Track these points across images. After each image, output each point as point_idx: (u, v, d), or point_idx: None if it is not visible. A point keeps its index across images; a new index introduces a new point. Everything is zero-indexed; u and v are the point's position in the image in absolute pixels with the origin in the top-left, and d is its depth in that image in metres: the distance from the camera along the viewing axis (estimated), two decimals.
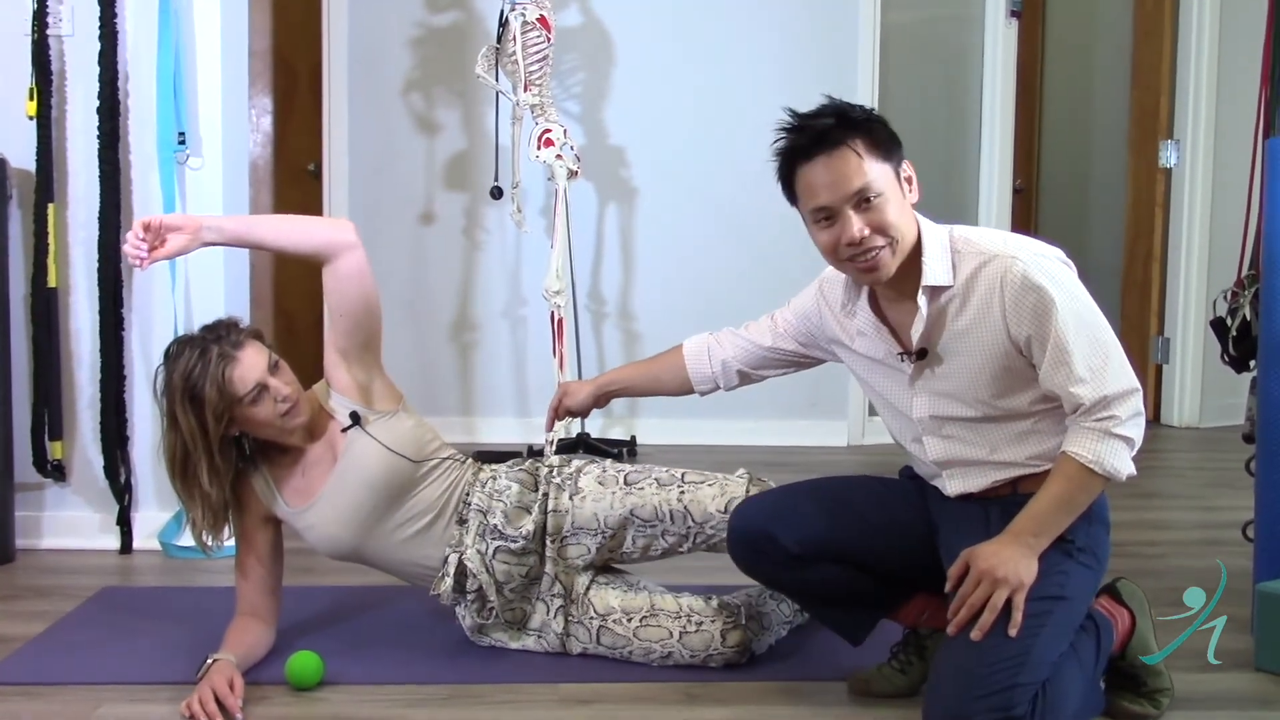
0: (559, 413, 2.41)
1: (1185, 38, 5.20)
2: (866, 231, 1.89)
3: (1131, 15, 5.51)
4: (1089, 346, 1.87)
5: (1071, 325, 1.86)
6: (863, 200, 1.89)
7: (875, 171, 1.89)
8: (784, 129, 1.95)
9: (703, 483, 2.31)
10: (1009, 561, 1.85)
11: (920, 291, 1.94)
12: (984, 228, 2.03)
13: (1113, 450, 1.86)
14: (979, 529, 1.97)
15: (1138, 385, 1.89)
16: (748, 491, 2.26)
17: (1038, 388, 1.94)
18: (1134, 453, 1.89)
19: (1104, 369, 1.87)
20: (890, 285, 1.98)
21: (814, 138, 1.91)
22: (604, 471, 2.36)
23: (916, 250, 1.94)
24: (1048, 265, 1.91)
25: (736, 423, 4.84)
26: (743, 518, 2.12)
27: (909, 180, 1.96)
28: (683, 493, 2.29)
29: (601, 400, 2.40)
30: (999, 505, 2.00)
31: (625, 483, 2.32)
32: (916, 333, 1.97)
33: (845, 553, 2.07)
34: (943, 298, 1.95)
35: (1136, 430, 1.88)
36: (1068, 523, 1.90)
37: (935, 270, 1.93)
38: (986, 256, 1.91)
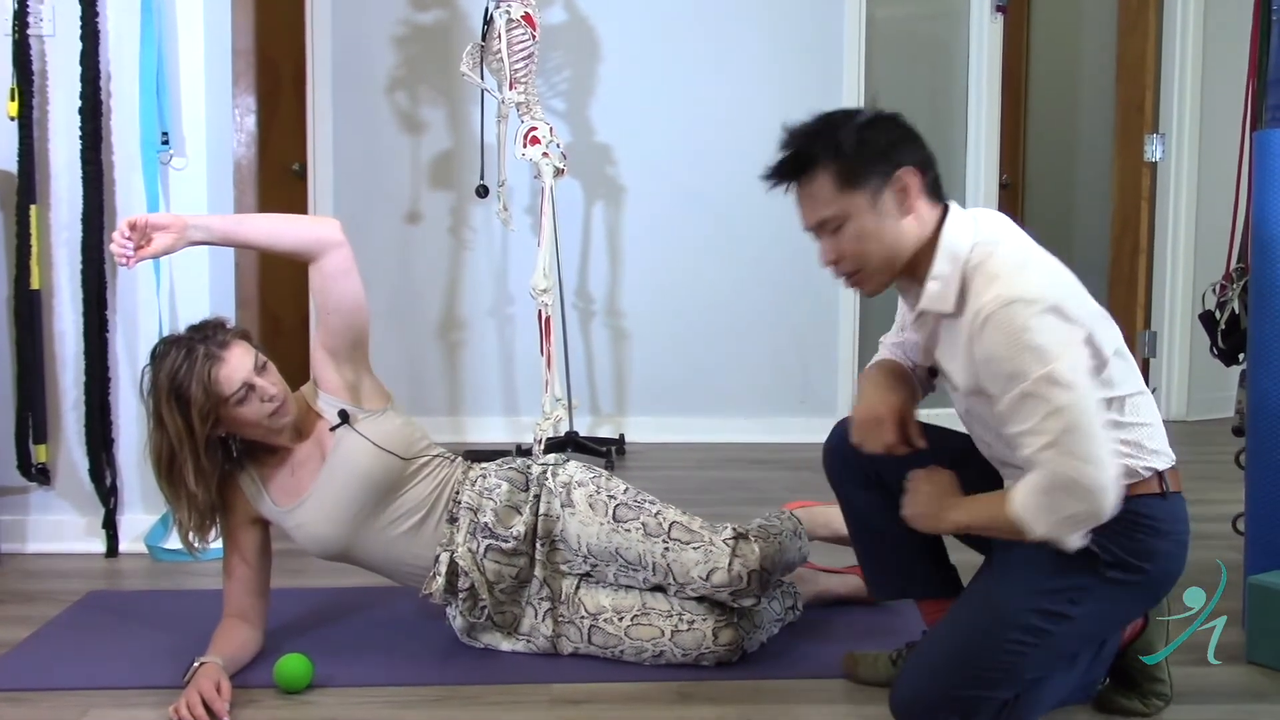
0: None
1: (1169, 31, 5.21)
2: (834, 257, 1.87)
3: (1116, 9, 5.52)
4: (1025, 413, 1.73)
5: (1012, 393, 1.73)
6: (829, 230, 1.86)
7: (839, 202, 1.83)
8: (778, 149, 1.91)
9: (689, 544, 2.25)
10: (916, 517, 1.92)
11: (915, 315, 1.90)
12: (1012, 248, 1.83)
13: (1035, 505, 1.74)
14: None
15: (1075, 474, 1.71)
16: (730, 563, 2.21)
17: None
18: (1067, 527, 1.74)
19: (1037, 435, 1.72)
20: (912, 288, 1.92)
21: (780, 167, 1.89)
22: (597, 492, 2.33)
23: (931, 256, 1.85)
24: (1012, 318, 1.72)
25: (726, 420, 4.84)
26: (841, 428, 2.14)
27: (903, 190, 1.83)
28: (667, 549, 2.25)
29: None
30: None
31: (614, 518, 2.28)
32: (919, 353, 1.95)
33: None
34: (946, 323, 1.87)
35: (1071, 503, 1.72)
36: (992, 536, 1.87)
37: (933, 295, 1.84)
38: (977, 292, 1.78)
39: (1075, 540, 1.76)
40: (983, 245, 1.83)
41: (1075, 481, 1.71)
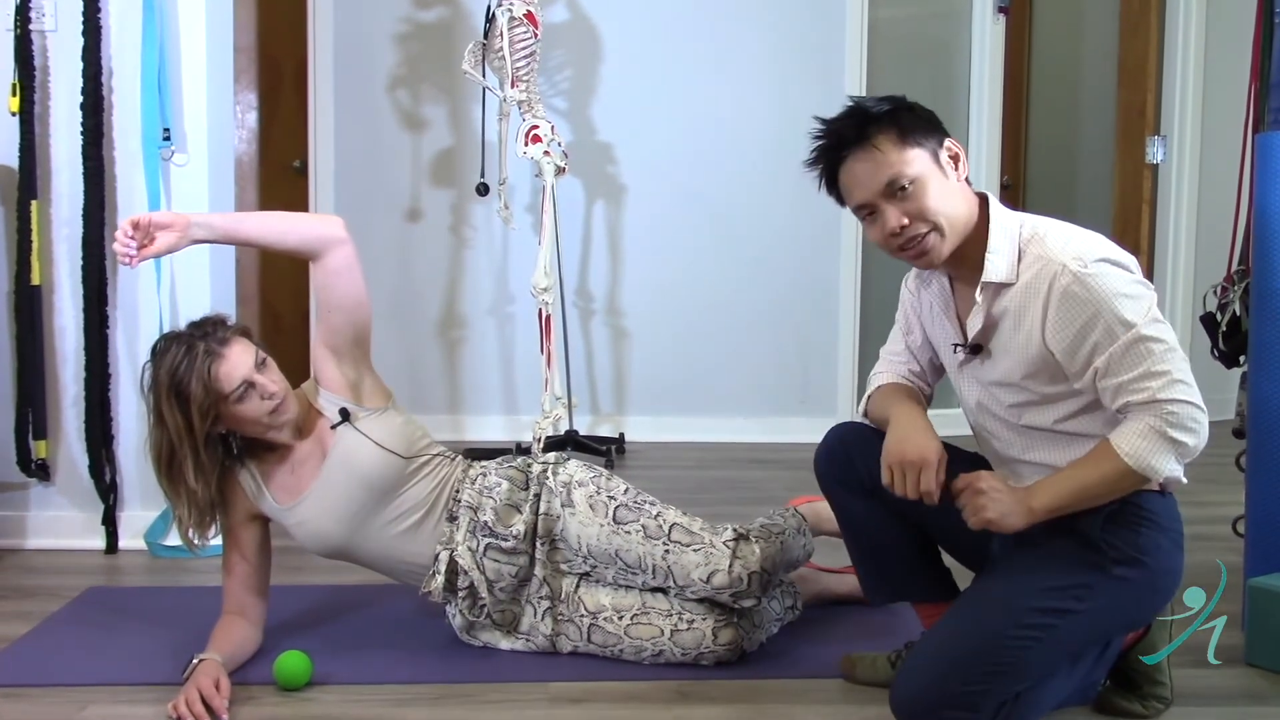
0: None
1: (1171, 33, 5.21)
2: (905, 221, 1.87)
3: (1118, 11, 5.51)
4: (1137, 358, 1.78)
5: (1121, 340, 1.78)
6: (897, 190, 1.87)
7: (905, 160, 1.86)
8: (813, 137, 1.94)
9: (689, 546, 2.25)
10: (1005, 516, 1.84)
11: (979, 288, 1.90)
12: (1060, 222, 1.91)
13: (1156, 449, 1.78)
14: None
15: (1199, 403, 1.79)
16: (731, 565, 2.21)
17: (1074, 397, 1.88)
18: (1182, 459, 1.80)
19: (1157, 377, 1.78)
20: (954, 268, 1.96)
21: (839, 140, 1.91)
22: (597, 492, 2.33)
23: (981, 234, 1.90)
24: (1105, 273, 1.80)
25: (726, 419, 4.83)
26: (836, 433, 2.17)
27: (955, 158, 1.91)
28: (668, 551, 2.25)
29: None
30: None
31: (614, 520, 2.28)
32: (973, 329, 1.94)
33: (909, 509, 2.03)
34: (1005, 295, 1.89)
35: (1189, 437, 1.78)
36: (1083, 508, 1.86)
37: (998, 266, 1.88)
38: (1046, 258, 1.84)
39: (1181, 475, 1.84)
40: (1031, 222, 1.91)
41: (1193, 415, 1.78)
